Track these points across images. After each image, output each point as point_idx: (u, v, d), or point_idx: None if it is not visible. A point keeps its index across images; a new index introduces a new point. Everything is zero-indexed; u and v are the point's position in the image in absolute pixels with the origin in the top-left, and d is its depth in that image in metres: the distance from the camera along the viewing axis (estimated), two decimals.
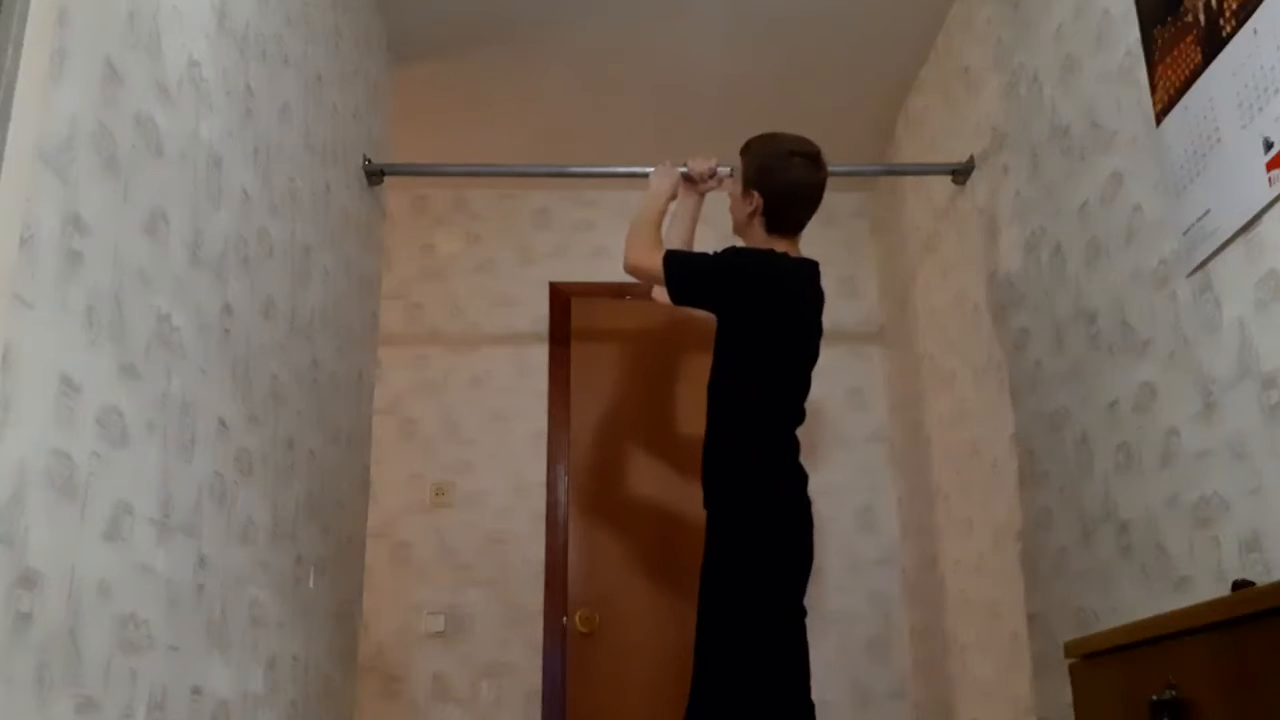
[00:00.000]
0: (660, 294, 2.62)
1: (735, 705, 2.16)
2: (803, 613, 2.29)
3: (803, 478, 2.36)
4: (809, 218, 2.50)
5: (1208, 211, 1.83)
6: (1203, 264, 1.86)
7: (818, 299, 2.46)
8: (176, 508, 1.75)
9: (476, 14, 3.35)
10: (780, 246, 2.45)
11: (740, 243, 2.53)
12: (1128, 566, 2.16)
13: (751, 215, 2.47)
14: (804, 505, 2.33)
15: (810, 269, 2.45)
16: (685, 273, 2.43)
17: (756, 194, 2.45)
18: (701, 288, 2.42)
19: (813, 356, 2.43)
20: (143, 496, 1.63)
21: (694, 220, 2.82)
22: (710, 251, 2.47)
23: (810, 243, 2.64)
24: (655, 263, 2.43)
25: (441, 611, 3.93)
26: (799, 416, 2.40)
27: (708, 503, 2.36)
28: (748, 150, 2.53)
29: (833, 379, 4.25)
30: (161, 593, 1.69)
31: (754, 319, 2.36)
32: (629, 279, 2.61)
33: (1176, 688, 1.36)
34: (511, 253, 4.38)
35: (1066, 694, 1.93)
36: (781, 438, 2.35)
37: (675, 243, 2.72)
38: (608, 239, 4.37)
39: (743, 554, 2.25)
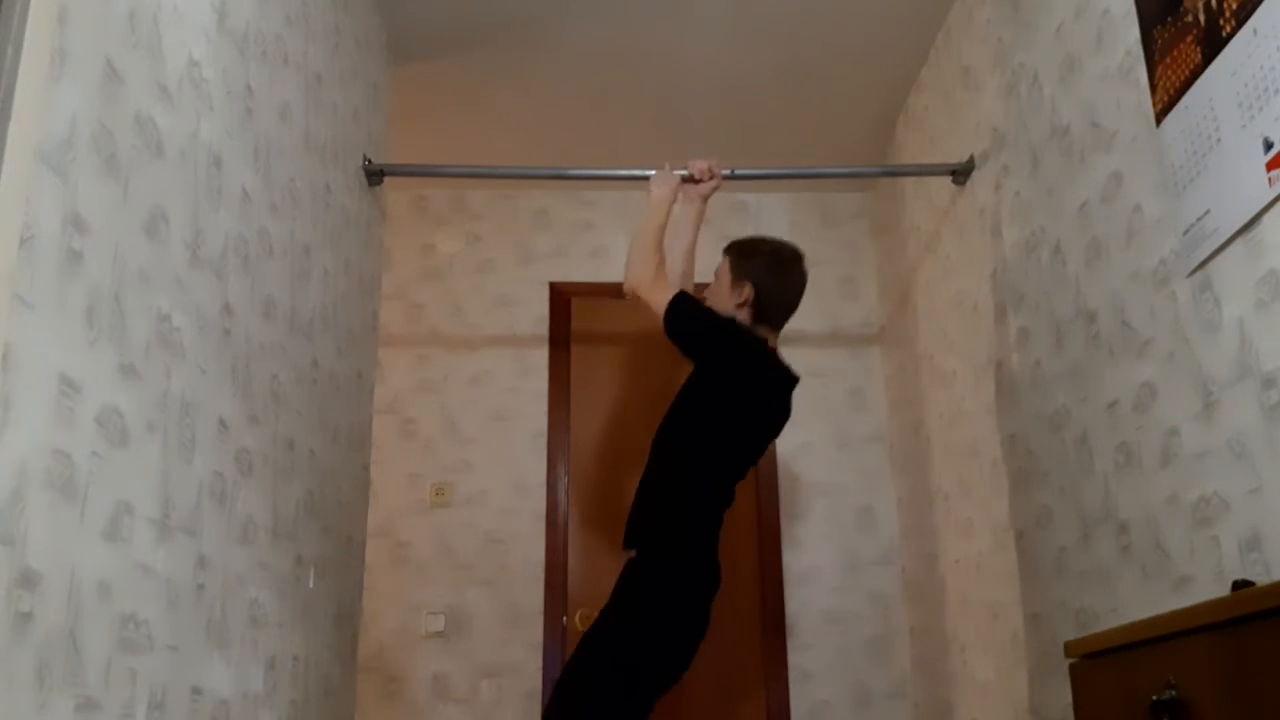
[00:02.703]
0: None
1: None
2: (652, 708, 2.32)
3: (715, 578, 2.37)
4: (789, 318, 2.62)
5: (1208, 211, 1.83)
6: (1203, 264, 1.86)
7: (784, 410, 2.51)
8: (176, 508, 1.75)
9: (476, 14, 3.35)
10: (764, 334, 2.53)
11: None
12: (1128, 566, 2.16)
13: (740, 305, 2.53)
14: (705, 616, 2.35)
15: (790, 383, 2.50)
16: (686, 318, 2.46)
17: (750, 287, 2.51)
18: (696, 339, 2.45)
19: (759, 453, 2.50)
20: (143, 496, 1.63)
21: (697, 226, 2.83)
22: (711, 302, 2.53)
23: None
24: (656, 299, 2.47)
25: (441, 611, 3.93)
26: (730, 499, 2.45)
27: (634, 546, 2.38)
28: (749, 250, 2.59)
29: (833, 379, 4.26)
30: (161, 593, 1.69)
31: (727, 391, 2.42)
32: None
33: (1176, 688, 1.36)
34: (511, 253, 4.38)
35: (1066, 694, 1.93)
36: (713, 517, 2.39)
37: (678, 251, 2.75)
38: (608, 239, 4.38)
39: (635, 633, 2.29)
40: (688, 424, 2.43)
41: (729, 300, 2.54)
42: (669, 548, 2.34)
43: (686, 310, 2.46)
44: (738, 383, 2.42)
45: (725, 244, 2.65)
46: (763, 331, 2.53)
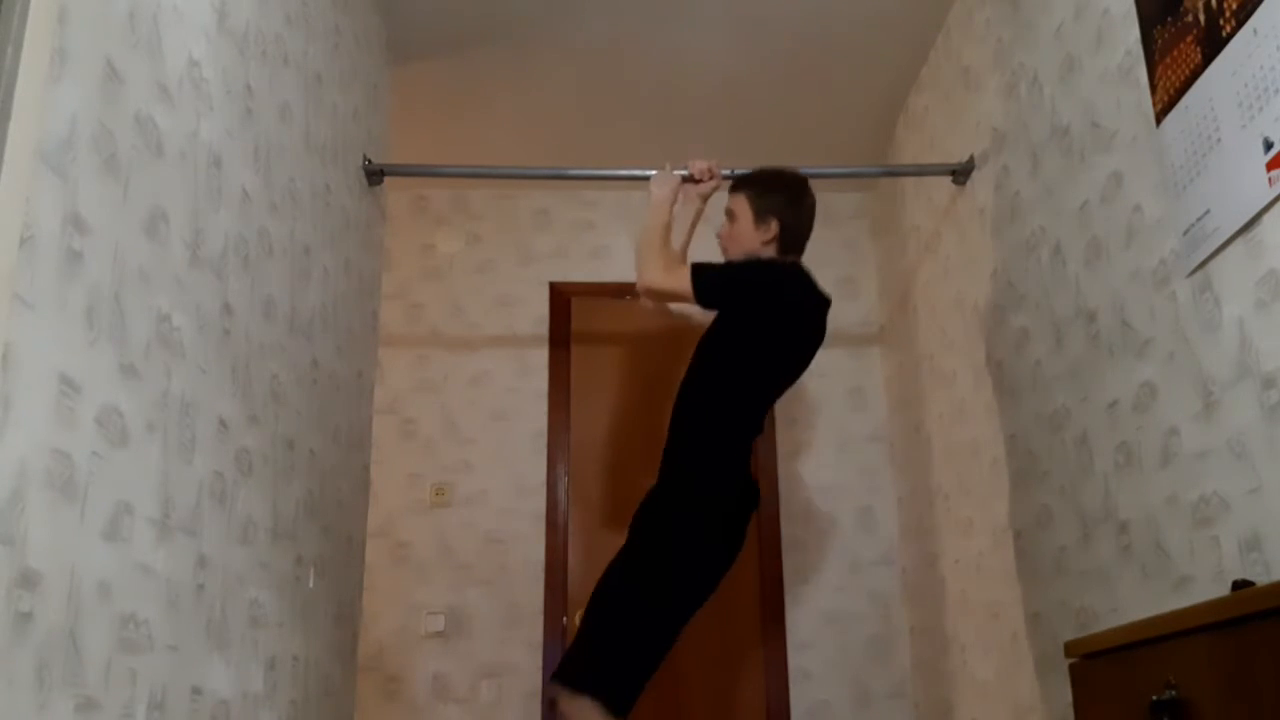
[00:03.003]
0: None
1: (612, 658, 2.30)
2: (686, 620, 2.37)
3: (751, 494, 2.44)
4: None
5: (1208, 211, 1.83)
6: (1203, 264, 1.86)
7: (821, 333, 2.57)
8: (176, 508, 1.75)
9: (476, 14, 3.35)
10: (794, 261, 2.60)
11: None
12: (1128, 566, 2.16)
13: (767, 242, 2.58)
14: (740, 529, 2.41)
15: (826, 305, 2.56)
16: (719, 283, 2.50)
17: (776, 222, 2.57)
18: (739, 297, 2.49)
19: (793, 381, 2.58)
20: (143, 496, 1.63)
21: (694, 227, 2.84)
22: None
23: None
24: (676, 283, 2.49)
25: (441, 611, 3.93)
26: (760, 428, 2.52)
27: (665, 476, 2.44)
28: (765, 186, 2.63)
29: (833, 379, 4.26)
30: (161, 593, 1.69)
31: (768, 332, 2.46)
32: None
33: (1176, 688, 1.36)
34: (511, 253, 4.38)
35: (1066, 694, 1.93)
36: (744, 444, 2.45)
37: (673, 248, 2.75)
38: (608, 239, 4.38)
39: (673, 544, 2.35)
40: (724, 360, 2.46)
41: (755, 239, 2.57)
42: (699, 467, 2.39)
43: (713, 275, 2.49)
44: (783, 320, 2.46)
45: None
46: (791, 260, 2.58)
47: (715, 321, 2.51)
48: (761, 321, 2.45)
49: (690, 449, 2.42)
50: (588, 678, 2.28)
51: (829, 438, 4.21)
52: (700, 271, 2.48)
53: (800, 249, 2.62)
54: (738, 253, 2.60)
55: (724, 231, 2.65)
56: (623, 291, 4.18)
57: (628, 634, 2.31)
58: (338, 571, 2.77)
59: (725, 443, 2.42)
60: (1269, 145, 1.64)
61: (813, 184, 4.08)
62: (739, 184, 2.66)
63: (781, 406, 4.19)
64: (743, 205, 2.61)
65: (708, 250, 2.82)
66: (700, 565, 2.35)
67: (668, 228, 2.63)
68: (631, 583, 2.34)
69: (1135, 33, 2.09)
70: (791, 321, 2.48)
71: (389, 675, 3.86)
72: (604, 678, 2.27)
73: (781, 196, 2.61)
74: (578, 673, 2.29)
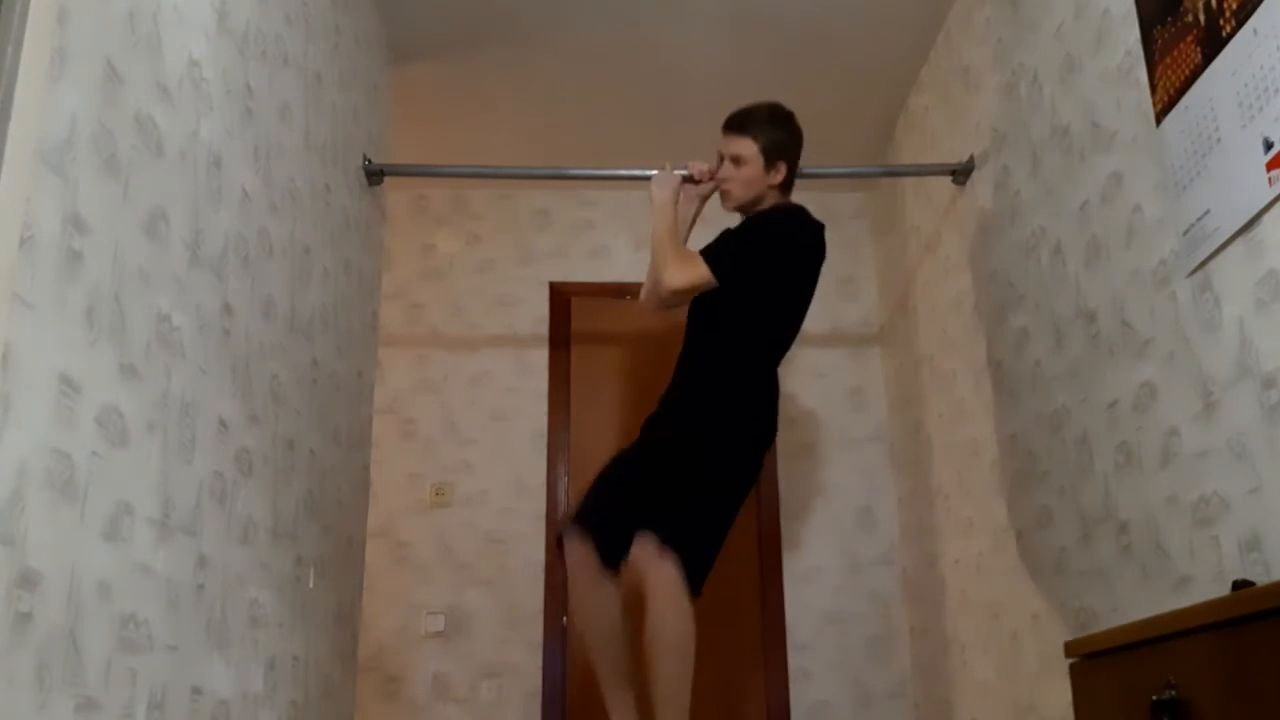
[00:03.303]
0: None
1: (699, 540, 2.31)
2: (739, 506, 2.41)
3: (772, 421, 2.53)
4: None
5: (1208, 211, 1.83)
6: (1203, 264, 1.86)
7: (824, 256, 2.60)
8: (176, 508, 1.75)
9: (476, 14, 3.35)
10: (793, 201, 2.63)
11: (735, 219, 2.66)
12: (1128, 566, 2.16)
13: (775, 186, 2.58)
14: (769, 441, 2.52)
15: (824, 230, 2.59)
16: (726, 255, 2.50)
17: (784, 164, 2.58)
18: (761, 274, 2.49)
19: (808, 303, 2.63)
20: (143, 496, 1.63)
21: (691, 227, 2.82)
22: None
23: None
24: (696, 277, 2.48)
25: (441, 611, 3.93)
26: (780, 359, 2.59)
27: (697, 389, 2.50)
28: (765, 124, 2.60)
29: (833, 379, 4.26)
30: (161, 593, 1.69)
31: (790, 283, 2.51)
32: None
33: (1176, 688, 1.36)
34: (511, 253, 4.38)
35: (1066, 694, 1.93)
36: (772, 372, 2.55)
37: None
38: (608, 239, 4.38)
39: (731, 444, 2.41)
40: (748, 301, 2.48)
41: (764, 182, 2.57)
42: (739, 381, 2.46)
43: (724, 254, 2.49)
44: (796, 264, 2.50)
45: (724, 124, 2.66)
46: (789, 202, 2.59)
47: (726, 293, 2.52)
48: (779, 271, 2.49)
49: (727, 370, 2.47)
50: (681, 537, 2.24)
51: (829, 438, 4.21)
52: (713, 256, 2.48)
53: (794, 182, 2.64)
54: (746, 196, 2.59)
55: (730, 175, 2.60)
56: (623, 291, 4.18)
57: (706, 512, 2.31)
58: (338, 571, 2.77)
59: (758, 368, 2.49)
60: (1269, 145, 1.64)
61: (813, 184, 4.10)
62: (738, 126, 2.60)
63: (782, 406, 4.19)
64: (750, 149, 2.57)
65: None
66: (749, 458, 2.40)
67: (674, 229, 2.63)
68: (698, 468, 2.34)
69: (1135, 33, 2.09)
70: (804, 263, 2.52)
71: (389, 675, 3.86)
72: (693, 545, 2.25)
73: (783, 133, 2.60)
74: (670, 528, 2.24)
